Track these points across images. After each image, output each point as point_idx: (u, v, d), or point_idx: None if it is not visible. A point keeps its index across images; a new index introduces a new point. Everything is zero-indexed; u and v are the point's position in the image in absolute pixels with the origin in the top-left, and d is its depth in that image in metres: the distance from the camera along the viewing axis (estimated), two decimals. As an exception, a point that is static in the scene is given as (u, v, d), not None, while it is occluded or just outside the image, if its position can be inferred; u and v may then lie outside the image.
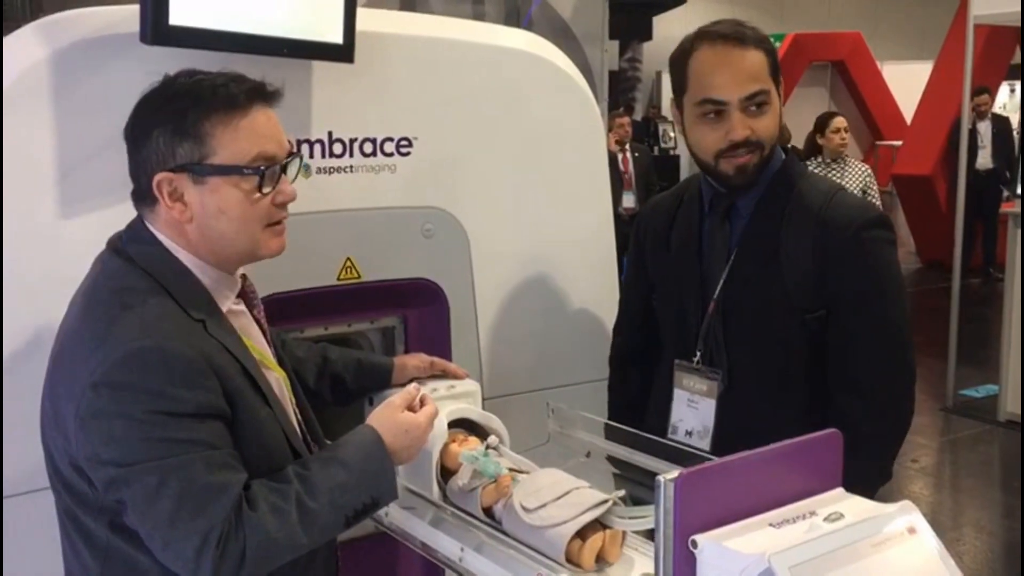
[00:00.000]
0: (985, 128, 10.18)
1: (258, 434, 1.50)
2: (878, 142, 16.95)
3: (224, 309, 1.57)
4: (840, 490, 1.29)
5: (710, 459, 1.30)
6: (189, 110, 1.48)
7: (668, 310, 2.12)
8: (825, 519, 1.20)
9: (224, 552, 1.37)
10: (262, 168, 1.52)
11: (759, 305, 1.95)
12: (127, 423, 1.37)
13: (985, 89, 9.92)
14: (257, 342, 1.64)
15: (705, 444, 1.98)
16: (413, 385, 1.72)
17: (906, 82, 15.63)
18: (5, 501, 1.83)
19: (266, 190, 1.53)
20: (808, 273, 1.90)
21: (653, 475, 1.22)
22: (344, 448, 1.55)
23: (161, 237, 1.53)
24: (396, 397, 1.66)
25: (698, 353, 2.01)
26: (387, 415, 1.62)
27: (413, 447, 1.63)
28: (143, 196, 1.53)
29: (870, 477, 1.88)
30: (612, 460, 1.93)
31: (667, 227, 2.12)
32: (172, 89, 1.51)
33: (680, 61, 1.94)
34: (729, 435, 1.96)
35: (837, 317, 1.91)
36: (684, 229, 2.08)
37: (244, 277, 1.65)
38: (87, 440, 1.40)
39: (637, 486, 1.76)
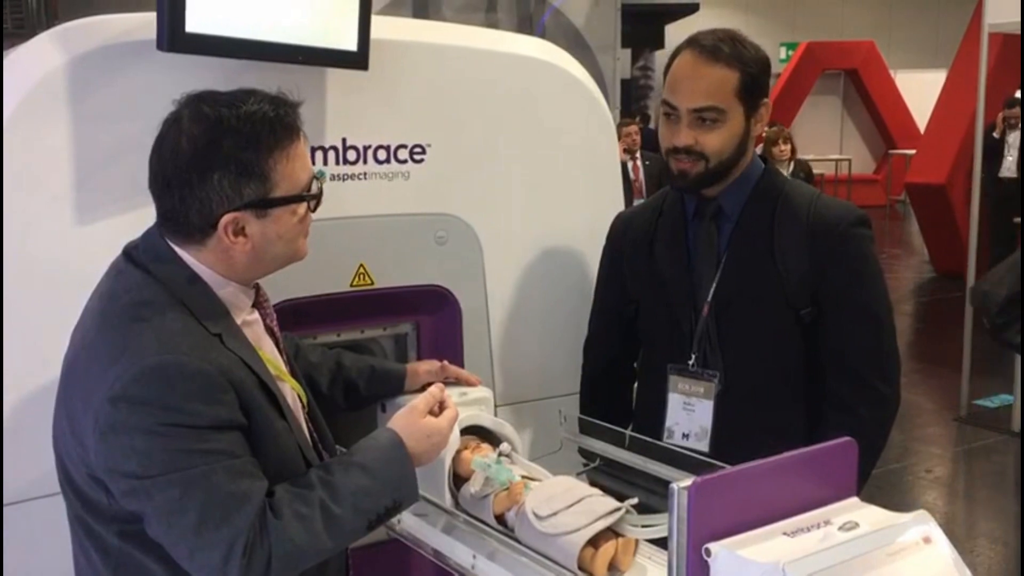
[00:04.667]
0: (1014, 139, 10.09)
1: (274, 447, 1.51)
2: (891, 151, 16.91)
3: (239, 321, 1.57)
4: (855, 499, 1.29)
5: (722, 466, 1.29)
6: (250, 148, 1.47)
7: (657, 318, 2.15)
8: (840, 528, 1.20)
9: (250, 560, 1.37)
10: (318, 191, 1.57)
11: (754, 304, 2.01)
12: (147, 436, 1.38)
13: (1017, 101, 9.83)
14: (271, 353, 1.64)
15: (703, 446, 2.03)
16: (436, 386, 1.72)
17: (920, 90, 15.60)
18: (9, 508, 1.83)
19: (316, 207, 1.58)
20: (803, 270, 1.98)
21: (665, 483, 1.22)
22: (366, 453, 1.56)
23: (186, 257, 1.52)
24: (419, 401, 1.65)
25: (693, 356, 2.05)
26: (409, 420, 1.62)
27: (434, 451, 1.63)
28: (191, 232, 1.51)
29: (867, 462, 1.97)
30: (624, 468, 1.93)
31: (648, 238, 2.16)
32: (224, 126, 1.47)
33: (670, 60, 2.05)
34: (727, 435, 2.01)
35: (830, 310, 1.99)
36: (669, 236, 2.13)
37: (257, 286, 1.65)
38: (107, 452, 1.40)
39: (650, 494, 1.75)
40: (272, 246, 1.54)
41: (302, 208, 1.55)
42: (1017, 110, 9.89)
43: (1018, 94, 10.51)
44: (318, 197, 1.58)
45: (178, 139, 1.48)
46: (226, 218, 1.48)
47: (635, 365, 2.30)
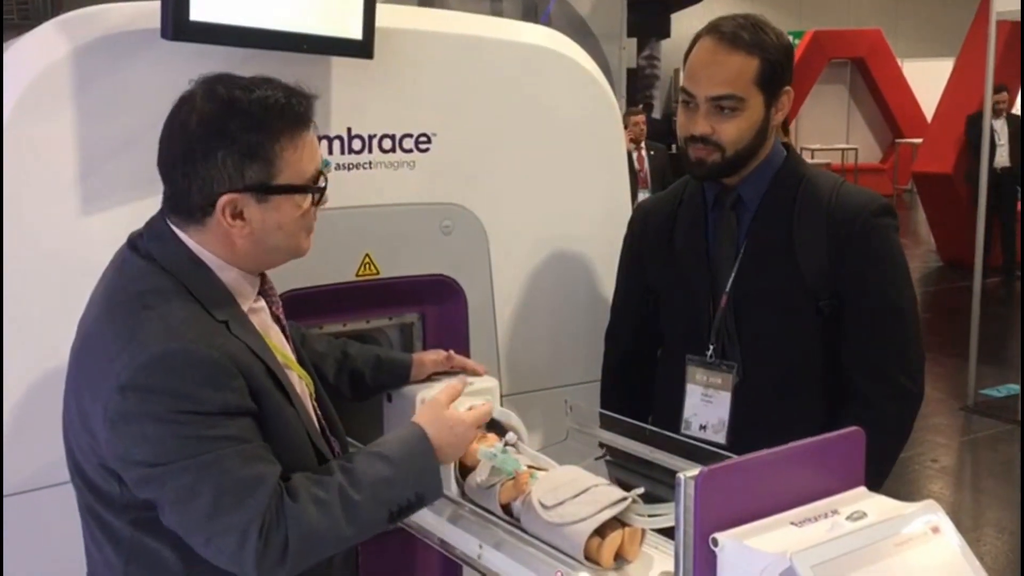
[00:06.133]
0: (1000, 126, 10.08)
1: (284, 433, 1.51)
2: (898, 140, 16.86)
3: (245, 308, 1.57)
4: (863, 489, 1.28)
5: (730, 456, 1.29)
6: (258, 131, 1.46)
7: (677, 308, 2.14)
8: (848, 518, 1.19)
9: (267, 543, 1.37)
10: (322, 185, 1.56)
11: (772, 295, 1.99)
12: (157, 424, 1.38)
13: (1003, 87, 9.83)
14: (278, 341, 1.64)
15: (720, 437, 2.01)
16: (459, 378, 1.71)
17: (927, 79, 15.53)
18: (18, 496, 1.84)
19: (320, 203, 1.57)
20: (822, 260, 1.95)
21: (672, 473, 1.21)
22: (388, 443, 1.56)
23: (186, 239, 1.52)
24: (441, 393, 1.65)
25: (711, 347, 2.03)
26: (432, 412, 1.61)
27: (458, 445, 1.61)
28: (192, 211, 1.50)
29: (889, 456, 1.98)
30: (630, 458, 1.93)
31: (668, 227, 2.15)
32: (235, 107, 1.47)
33: (689, 47, 2.02)
34: (745, 427, 2.00)
35: (850, 302, 1.96)
36: (688, 226, 2.11)
37: (263, 274, 1.65)
38: (118, 441, 1.41)
39: (657, 484, 1.75)
40: (271, 235, 1.53)
41: (305, 201, 1.54)
42: (1004, 95, 9.87)
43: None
44: (322, 191, 1.56)
45: (188, 116, 1.48)
46: (225, 198, 1.47)
47: (657, 354, 2.29)
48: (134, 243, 1.56)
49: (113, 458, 1.43)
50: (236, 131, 1.46)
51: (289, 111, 1.49)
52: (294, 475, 1.46)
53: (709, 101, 1.92)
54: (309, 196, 1.55)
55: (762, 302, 2.00)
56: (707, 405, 2.04)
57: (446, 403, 1.63)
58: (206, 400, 1.39)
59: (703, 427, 2.04)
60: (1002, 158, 10.08)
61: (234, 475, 1.38)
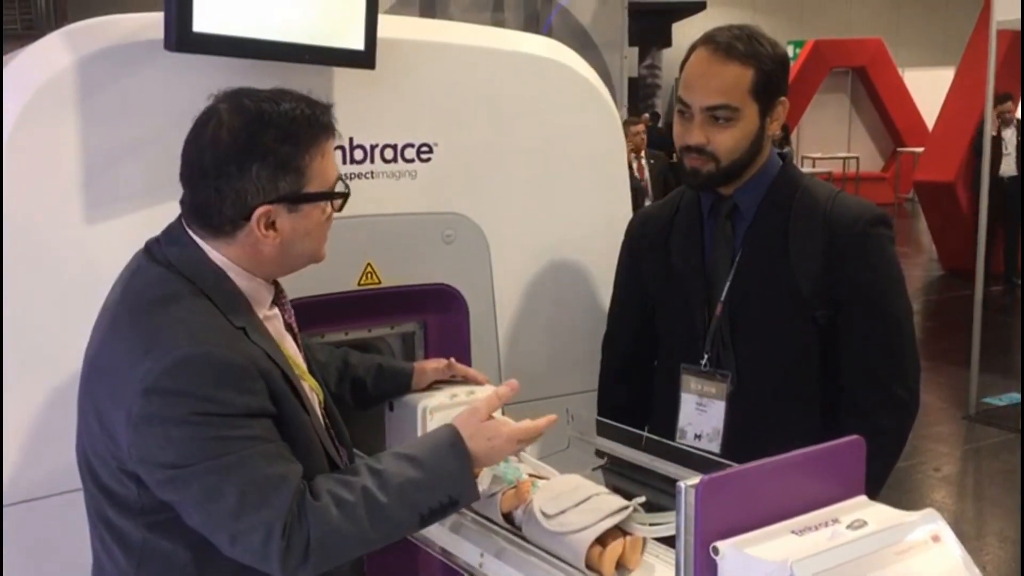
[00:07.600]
0: (1010, 135, 10.10)
1: (299, 438, 1.52)
2: (900, 149, 16.89)
3: (260, 316, 1.58)
4: (863, 497, 1.28)
5: (730, 465, 1.29)
6: (288, 143, 1.49)
7: (672, 316, 2.14)
8: (848, 526, 1.20)
9: (289, 543, 1.39)
10: (346, 190, 1.60)
11: (767, 303, 1.99)
12: (181, 426, 1.39)
13: (1009, 96, 9.85)
14: (291, 350, 1.65)
15: (715, 446, 2.01)
16: (507, 385, 1.67)
17: (928, 88, 15.57)
18: (19, 506, 1.84)
19: (341, 208, 1.61)
20: (818, 270, 1.95)
21: (673, 481, 1.22)
22: (419, 446, 1.56)
23: (207, 248, 1.53)
24: (481, 403, 1.62)
25: (705, 356, 2.03)
26: (471, 419, 1.59)
27: (494, 454, 1.59)
28: (222, 224, 1.51)
29: (885, 467, 1.97)
30: (630, 466, 1.93)
31: (665, 235, 2.15)
32: (265, 119, 1.49)
33: (686, 56, 2.02)
34: (739, 436, 2.00)
35: (846, 312, 1.97)
36: (685, 234, 2.12)
37: (276, 283, 1.66)
38: (142, 444, 1.42)
39: (659, 493, 1.75)
40: (300, 242, 1.56)
41: (330, 206, 1.58)
42: (1009, 104, 9.89)
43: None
44: (346, 196, 1.60)
45: (218, 130, 1.49)
46: (260, 210, 1.49)
47: (654, 362, 2.29)
48: (151, 249, 1.57)
49: (136, 461, 1.44)
50: (269, 143, 1.48)
51: (315, 121, 1.53)
52: (318, 476, 1.47)
53: (704, 111, 1.93)
54: (335, 202, 1.59)
55: (757, 311, 2.00)
56: (701, 414, 2.04)
57: (486, 413, 1.60)
58: (229, 402, 1.41)
59: (698, 436, 2.04)
60: (1008, 167, 10.08)
61: (258, 474, 1.40)
